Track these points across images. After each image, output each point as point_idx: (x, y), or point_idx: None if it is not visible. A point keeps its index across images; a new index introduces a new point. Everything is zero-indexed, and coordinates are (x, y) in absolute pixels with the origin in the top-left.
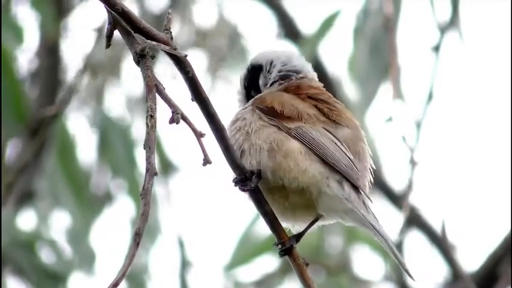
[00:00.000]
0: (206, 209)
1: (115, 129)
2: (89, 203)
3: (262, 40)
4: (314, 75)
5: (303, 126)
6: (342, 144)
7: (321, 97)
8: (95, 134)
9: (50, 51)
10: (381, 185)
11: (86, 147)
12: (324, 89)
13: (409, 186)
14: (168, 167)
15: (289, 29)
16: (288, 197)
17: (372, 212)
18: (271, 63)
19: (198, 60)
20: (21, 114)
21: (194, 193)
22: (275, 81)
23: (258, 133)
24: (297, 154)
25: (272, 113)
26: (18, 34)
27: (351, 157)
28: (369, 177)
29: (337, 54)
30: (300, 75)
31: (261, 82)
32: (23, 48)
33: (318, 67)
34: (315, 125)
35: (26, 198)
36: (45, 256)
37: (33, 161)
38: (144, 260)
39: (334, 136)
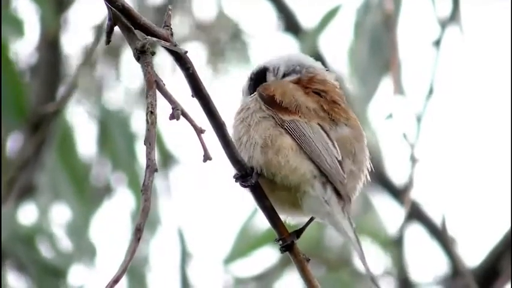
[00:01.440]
0: (206, 201)
1: (115, 122)
2: (88, 196)
3: (263, 34)
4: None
5: (297, 121)
6: (333, 143)
7: (327, 94)
8: (94, 127)
9: (50, 45)
10: (382, 180)
11: (86, 140)
12: (339, 89)
13: (410, 182)
14: (168, 160)
15: (289, 23)
16: (274, 191)
17: (349, 219)
18: (281, 65)
19: (197, 53)
20: (21, 109)
21: (194, 186)
22: (287, 73)
23: (256, 126)
24: (288, 151)
25: (271, 102)
26: (18, 27)
27: (339, 158)
28: (363, 179)
29: (338, 49)
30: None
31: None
32: (23, 42)
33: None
34: (310, 120)
35: (27, 192)
36: (45, 250)
37: (34, 156)
38: (144, 253)
39: (327, 134)
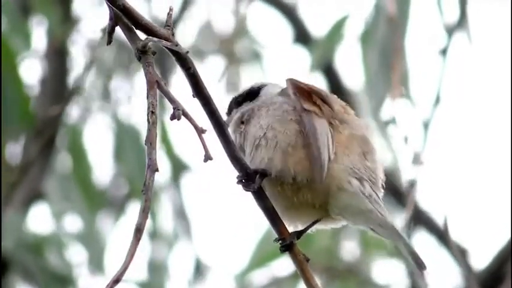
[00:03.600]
0: (220, 213)
1: (129, 135)
2: (98, 207)
3: (276, 45)
4: None
5: (315, 112)
6: (332, 142)
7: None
8: (109, 139)
9: (57, 54)
10: (390, 189)
11: (100, 153)
12: None
13: (414, 183)
14: (180, 171)
15: (300, 34)
16: (298, 192)
17: (388, 213)
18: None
19: (215, 65)
20: (26, 115)
21: (208, 198)
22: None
23: (283, 126)
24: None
25: (299, 89)
26: (26, 38)
27: (331, 156)
28: (382, 177)
29: (347, 59)
30: None
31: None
32: (31, 52)
33: (329, 72)
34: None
35: (34, 200)
36: (54, 260)
37: (37, 160)
38: (162, 269)
39: (330, 133)
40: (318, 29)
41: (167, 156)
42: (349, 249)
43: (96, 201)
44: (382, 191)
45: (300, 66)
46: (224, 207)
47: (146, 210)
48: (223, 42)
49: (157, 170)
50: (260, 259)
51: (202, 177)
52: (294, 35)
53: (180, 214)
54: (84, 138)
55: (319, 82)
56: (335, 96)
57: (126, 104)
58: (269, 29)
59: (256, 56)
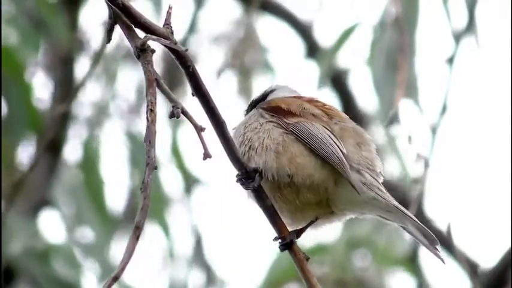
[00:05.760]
0: (231, 227)
1: (139, 148)
2: (110, 220)
3: (288, 57)
4: None
5: (302, 122)
6: (336, 139)
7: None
8: (119, 152)
9: (63, 61)
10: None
11: (112, 165)
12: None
13: (419, 183)
14: (192, 185)
15: (314, 50)
16: (298, 194)
17: (392, 197)
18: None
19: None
20: (33, 120)
21: (220, 212)
22: None
23: (266, 133)
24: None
25: (277, 111)
26: (34, 47)
27: (344, 151)
28: (380, 165)
29: (355, 67)
30: None
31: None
32: (38, 60)
33: (337, 80)
34: (313, 122)
35: (41, 207)
36: (61, 268)
37: (43, 167)
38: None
39: (330, 131)
40: (329, 42)
41: (178, 171)
42: (361, 262)
43: (108, 220)
44: (382, 178)
45: (312, 81)
46: (235, 222)
47: (145, 208)
48: (234, 55)
49: (156, 167)
50: (273, 281)
51: (213, 191)
52: (306, 49)
53: (192, 229)
54: (97, 155)
55: (328, 96)
56: (320, 102)
57: (139, 117)
58: (281, 43)
59: (267, 70)
